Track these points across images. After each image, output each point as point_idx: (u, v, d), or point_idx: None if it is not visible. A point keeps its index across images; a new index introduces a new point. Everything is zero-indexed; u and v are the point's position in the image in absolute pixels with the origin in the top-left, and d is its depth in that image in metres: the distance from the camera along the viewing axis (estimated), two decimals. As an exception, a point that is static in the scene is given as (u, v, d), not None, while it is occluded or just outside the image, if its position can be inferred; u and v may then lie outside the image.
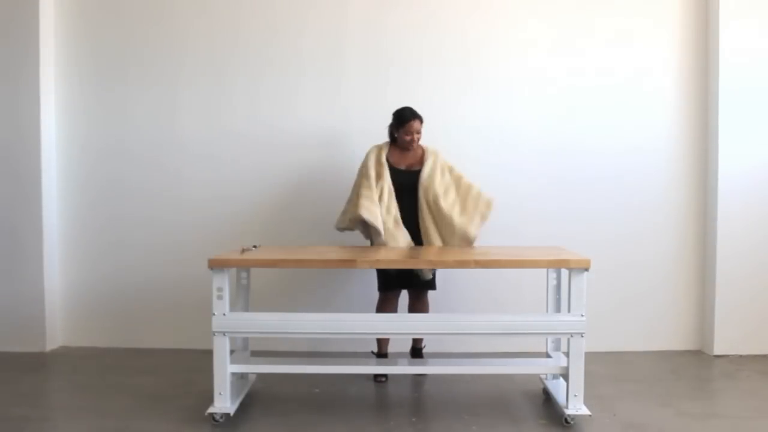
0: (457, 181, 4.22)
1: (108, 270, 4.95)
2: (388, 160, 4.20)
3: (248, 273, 3.90)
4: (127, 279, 4.93)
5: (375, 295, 4.32)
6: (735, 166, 4.71)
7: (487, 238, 4.37)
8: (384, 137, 4.33)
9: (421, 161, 4.23)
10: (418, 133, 4.19)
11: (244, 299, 3.87)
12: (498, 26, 4.85)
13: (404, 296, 4.35)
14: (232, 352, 3.57)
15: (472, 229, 4.12)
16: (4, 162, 4.80)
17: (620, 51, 4.85)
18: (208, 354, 3.51)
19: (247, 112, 4.89)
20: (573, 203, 4.85)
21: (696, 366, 4.58)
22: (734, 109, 4.70)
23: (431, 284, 4.25)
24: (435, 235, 4.13)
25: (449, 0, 4.86)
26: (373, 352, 4.31)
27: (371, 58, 4.85)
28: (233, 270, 3.73)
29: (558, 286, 3.84)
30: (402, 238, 4.08)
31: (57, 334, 4.96)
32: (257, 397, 3.88)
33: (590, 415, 3.41)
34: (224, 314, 3.43)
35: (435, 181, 4.16)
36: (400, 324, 3.78)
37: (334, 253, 3.84)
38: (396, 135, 4.23)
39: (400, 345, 4.44)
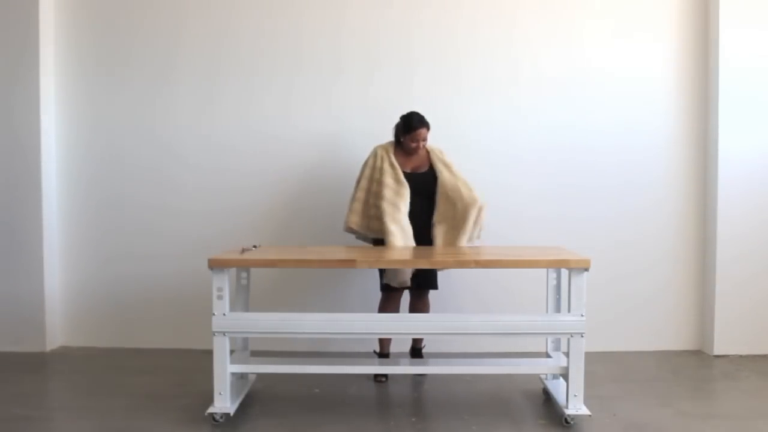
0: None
1: (108, 270, 4.95)
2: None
3: (248, 273, 3.90)
4: (127, 279, 4.94)
5: (375, 294, 4.32)
6: (735, 165, 4.71)
7: (487, 238, 4.37)
8: (384, 137, 4.33)
9: (427, 162, 4.24)
10: (424, 140, 4.19)
11: (244, 299, 3.87)
12: (498, 26, 4.85)
13: (404, 296, 4.35)
14: (232, 352, 3.57)
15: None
16: (4, 162, 4.80)
17: (620, 51, 4.85)
18: (208, 354, 3.51)
19: (245, 113, 4.88)
20: (573, 203, 4.85)
21: (696, 366, 4.58)
22: (734, 109, 4.69)
23: (433, 284, 4.25)
24: (451, 234, 4.12)
25: (449, 0, 4.86)
26: (375, 352, 4.31)
27: (370, 57, 4.84)
28: (233, 270, 3.73)
29: (558, 286, 3.84)
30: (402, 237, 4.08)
31: (57, 334, 4.96)
32: (257, 397, 3.88)
33: (590, 415, 3.41)
34: (224, 314, 3.43)
35: (447, 179, 4.19)
36: (400, 324, 3.78)
37: (334, 253, 3.84)
38: (402, 139, 4.22)
39: (399, 345, 4.44)
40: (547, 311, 3.92)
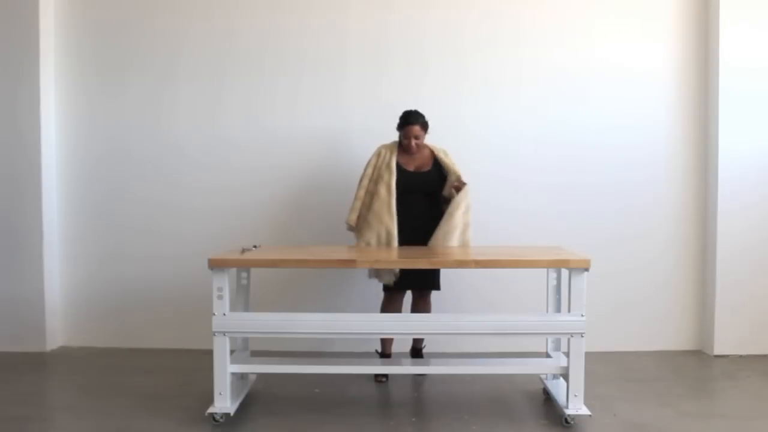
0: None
1: (108, 270, 4.95)
2: (397, 162, 4.20)
3: (248, 273, 3.90)
4: (127, 279, 4.93)
5: (375, 295, 4.32)
6: (735, 164, 4.71)
7: (487, 238, 4.37)
8: (390, 137, 4.32)
9: (430, 162, 4.24)
10: (417, 138, 4.19)
11: (244, 299, 3.87)
12: (498, 26, 4.85)
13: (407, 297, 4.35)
14: (232, 352, 3.57)
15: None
16: (4, 162, 4.80)
17: (621, 50, 4.85)
18: (208, 354, 3.51)
19: (246, 113, 4.89)
20: (573, 203, 4.85)
21: (696, 366, 4.58)
22: (734, 109, 4.69)
23: (435, 285, 4.26)
24: (450, 235, 4.10)
25: (450, 0, 4.86)
26: (377, 351, 4.31)
27: (376, 56, 4.84)
28: (233, 270, 3.73)
29: (558, 286, 3.83)
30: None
31: (57, 334, 4.96)
32: (257, 397, 3.88)
33: (590, 415, 3.41)
34: (224, 314, 3.43)
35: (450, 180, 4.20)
36: (400, 324, 3.78)
37: (334, 253, 3.84)
38: (399, 136, 4.25)
39: (400, 345, 4.44)
40: (547, 311, 3.92)
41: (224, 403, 3.43)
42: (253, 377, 4.02)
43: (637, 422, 3.49)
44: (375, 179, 4.17)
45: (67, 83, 4.94)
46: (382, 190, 4.13)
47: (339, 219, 4.37)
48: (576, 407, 3.40)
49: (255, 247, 3.95)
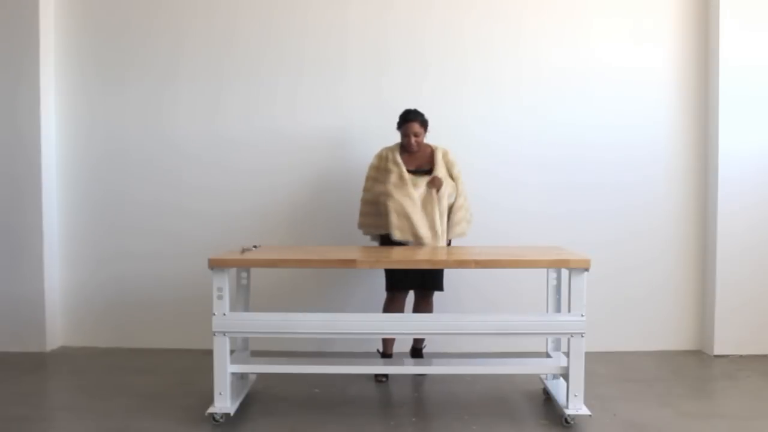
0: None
1: (108, 269, 4.95)
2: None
3: (248, 273, 3.90)
4: (127, 278, 4.94)
5: (375, 294, 4.33)
6: (735, 164, 4.71)
7: (487, 238, 4.37)
8: (391, 137, 4.32)
9: (431, 161, 4.24)
10: (416, 135, 4.19)
11: (244, 299, 3.87)
12: (498, 25, 4.85)
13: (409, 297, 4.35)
14: (232, 352, 3.57)
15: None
16: (4, 162, 4.80)
17: (622, 50, 4.85)
18: (208, 354, 3.51)
19: (246, 113, 4.89)
20: (573, 203, 4.85)
21: (696, 366, 4.58)
22: (734, 108, 4.69)
23: (438, 285, 4.26)
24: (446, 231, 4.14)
25: (449, 0, 4.86)
26: (378, 351, 4.31)
27: (377, 56, 4.84)
28: (233, 270, 3.73)
29: (558, 286, 3.84)
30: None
31: (57, 334, 4.96)
32: (257, 397, 3.88)
33: (590, 415, 3.41)
34: (224, 314, 3.43)
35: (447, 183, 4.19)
36: (400, 324, 3.78)
37: (334, 253, 3.84)
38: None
39: (400, 345, 4.44)
40: (547, 311, 3.92)
41: (224, 403, 3.43)
42: (253, 377, 4.02)
43: (637, 422, 3.49)
44: (382, 179, 4.17)
45: (67, 83, 4.94)
46: (394, 178, 4.12)
47: (339, 219, 4.38)
48: (576, 407, 3.41)
49: (255, 247, 3.95)
